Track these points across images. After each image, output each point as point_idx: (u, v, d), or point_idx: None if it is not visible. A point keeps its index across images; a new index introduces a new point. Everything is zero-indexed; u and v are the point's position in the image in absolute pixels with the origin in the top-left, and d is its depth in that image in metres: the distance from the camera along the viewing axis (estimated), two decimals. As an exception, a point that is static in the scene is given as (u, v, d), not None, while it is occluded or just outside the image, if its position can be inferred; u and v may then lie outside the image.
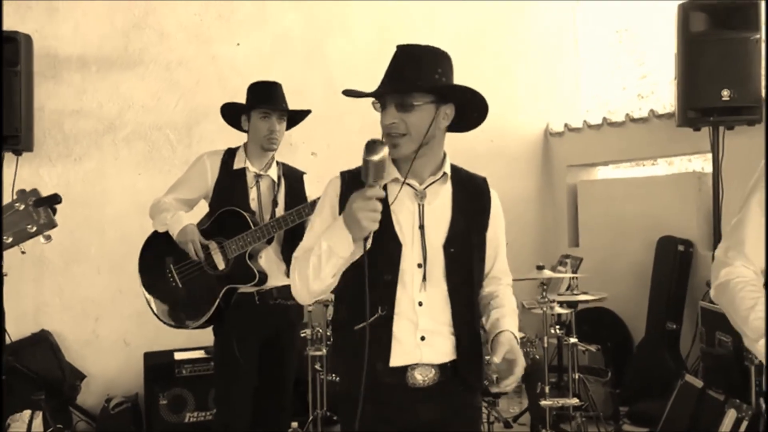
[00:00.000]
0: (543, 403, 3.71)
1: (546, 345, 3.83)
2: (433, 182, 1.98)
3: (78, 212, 4.72)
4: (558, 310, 3.90)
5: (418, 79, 1.87)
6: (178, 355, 4.64)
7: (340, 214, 1.91)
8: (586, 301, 4.08)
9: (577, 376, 4.06)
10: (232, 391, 3.11)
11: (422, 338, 1.93)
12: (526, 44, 6.18)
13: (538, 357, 3.88)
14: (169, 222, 2.98)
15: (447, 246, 1.95)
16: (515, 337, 1.95)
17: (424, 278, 1.92)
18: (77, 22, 4.87)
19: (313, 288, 1.91)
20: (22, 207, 1.53)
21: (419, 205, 1.96)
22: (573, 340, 3.91)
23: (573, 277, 4.28)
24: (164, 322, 3.17)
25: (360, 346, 1.82)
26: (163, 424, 4.44)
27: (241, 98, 3.22)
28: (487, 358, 1.94)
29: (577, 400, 3.85)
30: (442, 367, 1.95)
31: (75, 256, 4.80)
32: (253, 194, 3.10)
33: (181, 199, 3.13)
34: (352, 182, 1.95)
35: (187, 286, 3.07)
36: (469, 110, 1.99)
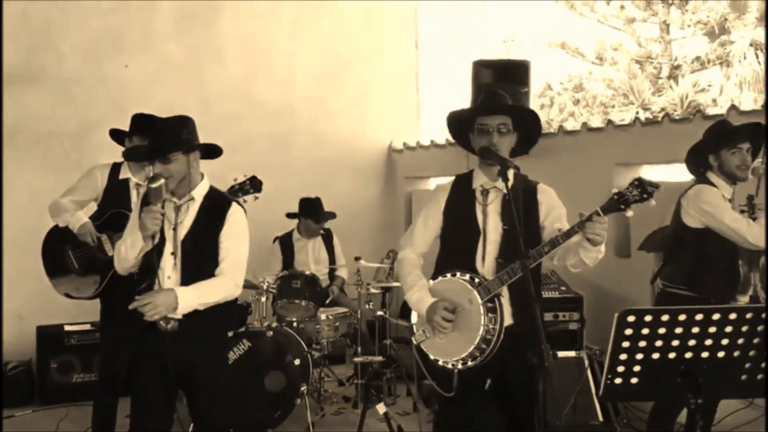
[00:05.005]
0: (355, 359, 4.91)
1: (360, 316, 5.04)
2: (186, 201, 2.97)
3: (-19, 206, 5.47)
4: (372, 290, 5.12)
5: None
6: (68, 327, 5.51)
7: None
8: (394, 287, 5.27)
9: (388, 342, 5.28)
10: (116, 352, 4.02)
11: None
12: (376, 76, 7.39)
13: (357, 327, 5.09)
14: (70, 219, 3.95)
15: (184, 242, 2.93)
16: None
17: (175, 263, 2.92)
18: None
19: (123, 266, 3.02)
20: None
21: (176, 214, 2.95)
22: (380, 313, 5.13)
23: (391, 267, 5.49)
24: (64, 295, 4.08)
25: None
26: (53, 383, 5.34)
27: (128, 113, 4.09)
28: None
29: (382, 358, 5.04)
30: (180, 320, 2.88)
31: (-23, 242, 5.57)
32: (134, 198, 4.07)
33: (76, 200, 4.08)
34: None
35: (82, 268, 4.04)
36: None
